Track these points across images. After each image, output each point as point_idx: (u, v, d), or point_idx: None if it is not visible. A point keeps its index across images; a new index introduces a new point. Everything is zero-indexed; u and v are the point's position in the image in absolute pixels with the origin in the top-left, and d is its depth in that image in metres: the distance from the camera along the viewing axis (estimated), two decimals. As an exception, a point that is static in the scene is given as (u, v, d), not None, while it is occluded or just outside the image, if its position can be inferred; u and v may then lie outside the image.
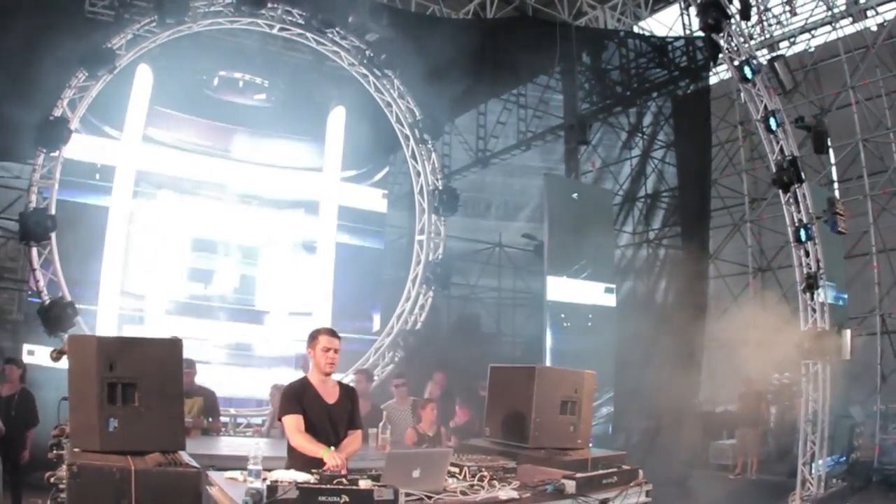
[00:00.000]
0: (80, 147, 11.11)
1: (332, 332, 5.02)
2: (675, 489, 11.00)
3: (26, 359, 10.03)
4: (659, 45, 15.97)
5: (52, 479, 3.98)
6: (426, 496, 4.00)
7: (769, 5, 16.32)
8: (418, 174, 13.44)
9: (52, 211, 10.23)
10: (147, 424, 3.94)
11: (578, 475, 4.62)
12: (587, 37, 15.83)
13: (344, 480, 3.81)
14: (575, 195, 12.92)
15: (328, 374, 4.97)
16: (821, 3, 15.40)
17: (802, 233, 10.05)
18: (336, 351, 4.95)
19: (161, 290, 12.46)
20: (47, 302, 10.09)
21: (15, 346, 11.29)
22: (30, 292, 11.18)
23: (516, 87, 17.34)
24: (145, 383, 3.97)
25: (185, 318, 12.57)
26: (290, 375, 9.29)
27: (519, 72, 15.69)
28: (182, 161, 12.86)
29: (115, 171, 12.06)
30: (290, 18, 12.07)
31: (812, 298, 10.02)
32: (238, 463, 4.53)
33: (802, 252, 10.14)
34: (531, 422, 5.35)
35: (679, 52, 15.71)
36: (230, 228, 13.15)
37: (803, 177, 10.13)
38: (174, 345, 4.28)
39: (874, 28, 14.83)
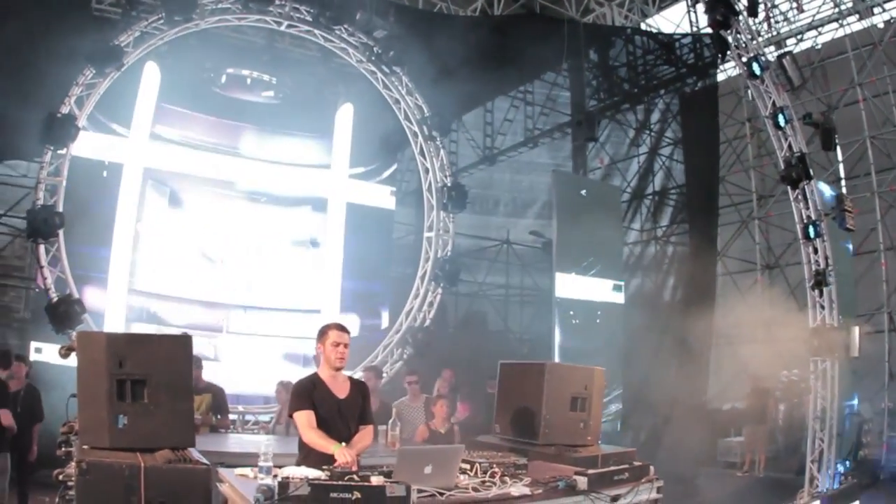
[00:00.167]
0: (87, 144, 11.13)
1: (341, 327, 4.99)
2: (682, 487, 10.92)
3: (34, 356, 10.11)
4: (666, 42, 15.99)
5: (60, 477, 3.95)
6: (438, 492, 3.99)
7: (776, 2, 16.29)
8: (427, 171, 13.38)
9: (60, 208, 10.22)
10: (156, 421, 3.92)
11: (590, 471, 4.60)
12: (594, 34, 15.81)
13: (355, 477, 3.79)
14: (583, 192, 12.93)
15: (338, 370, 4.94)
16: (828, 0, 15.35)
17: (811, 229, 10.01)
18: (346, 346, 4.92)
19: (169, 287, 12.46)
20: (55, 299, 10.09)
21: (22, 344, 11.30)
22: (37, 290, 11.20)
23: (523, 83, 17.33)
24: (154, 380, 3.94)
25: (193, 314, 12.56)
26: (297, 373, 9.27)
27: (526, 69, 15.64)
28: (190, 158, 12.88)
29: (122, 168, 12.08)
30: (297, 15, 12.04)
31: (821, 295, 9.99)
32: (247, 460, 4.53)
33: (811, 249, 10.11)
34: (541, 418, 5.34)
35: (686, 49, 15.72)
36: (238, 225, 13.16)
37: (811, 173, 10.11)
38: (183, 341, 4.28)
39: (881, 25, 14.82)
